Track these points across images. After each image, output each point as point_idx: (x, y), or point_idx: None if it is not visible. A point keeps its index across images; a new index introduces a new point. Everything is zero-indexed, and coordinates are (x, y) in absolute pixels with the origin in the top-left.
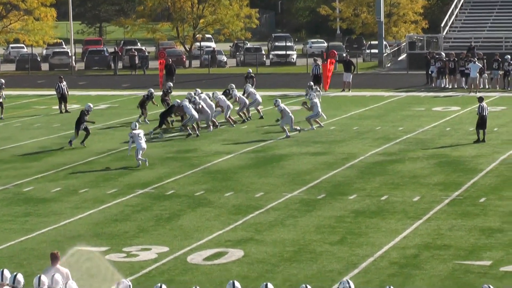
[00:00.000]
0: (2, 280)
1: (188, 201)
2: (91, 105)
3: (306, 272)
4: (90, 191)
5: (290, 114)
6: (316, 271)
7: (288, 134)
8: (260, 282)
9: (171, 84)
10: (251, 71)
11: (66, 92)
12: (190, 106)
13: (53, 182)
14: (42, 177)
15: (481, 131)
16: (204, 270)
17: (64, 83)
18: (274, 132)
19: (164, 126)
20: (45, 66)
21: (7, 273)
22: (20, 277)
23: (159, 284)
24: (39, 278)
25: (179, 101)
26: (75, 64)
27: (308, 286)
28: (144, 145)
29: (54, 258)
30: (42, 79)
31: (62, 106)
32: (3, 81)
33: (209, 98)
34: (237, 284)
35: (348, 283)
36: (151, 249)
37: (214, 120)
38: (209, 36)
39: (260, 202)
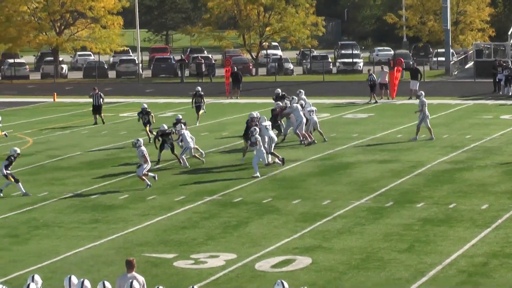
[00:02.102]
0: (70, 286)
1: (256, 209)
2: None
3: (374, 280)
4: (157, 198)
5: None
6: (384, 279)
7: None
8: None
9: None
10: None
11: (100, 103)
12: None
13: (120, 189)
14: (110, 184)
15: None
16: (272, 277)
17: (100, 93)
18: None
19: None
20: (112, 74)
21: (74, 279)
22: (87, 283)
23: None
24: (103, 284)
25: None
26: (142, 71)
27: None
28: (192, 144)
29: (129, 265)
30: (109, 87)
31: (97, 117)
32: None
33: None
34: (286, 284)
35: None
36: (219, 256)
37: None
38: (276, 44)
39: (327, 209)
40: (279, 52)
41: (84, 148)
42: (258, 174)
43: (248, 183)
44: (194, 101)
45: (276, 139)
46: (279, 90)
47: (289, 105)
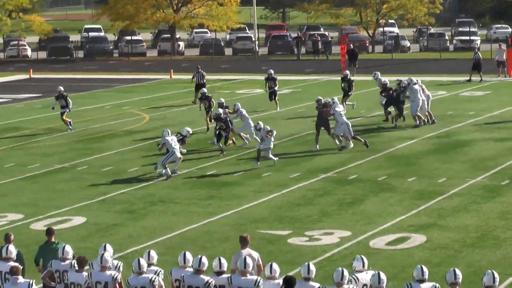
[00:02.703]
0: (184, 262)
1: (371, 186)
2: None
3: (490, 258)
4: (272, 175)
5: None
6: (500, 257)
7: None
8: (442, 267)
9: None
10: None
11: (202, 82)
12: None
13: (235, 166)
14: (225, 161)
15: None
16: (386, 254)
17: (202, 72)
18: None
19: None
20: (228, 51)
21: (189, 255)
22: (204, 259)
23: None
24: (219, 260)
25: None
26: (259, 49)
27: (494, 272)
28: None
29: (244, 241)
30: (226, 64)
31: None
32: (62, 88)
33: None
34: (425, 268)
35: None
36: (334, 233)
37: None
38: (392, 21)
39: (443, 187)
40: (395, 30)
41: (200, 125)
42: (275, 158)
43: (363, 160)
44: (267, 85)
45: (350, 123)
46: (348, 72)
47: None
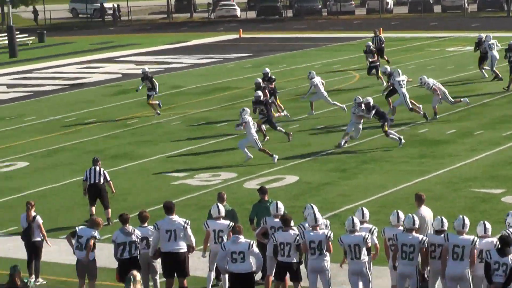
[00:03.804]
0: (397, 221)
1: None
2: None
3: None
4: (485, 133)
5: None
6: None
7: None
8: None
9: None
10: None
11: (380, 46)
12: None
13: (447, 124)
14: (436, 120)
15: None
16: None
17: (381, 37)
18: None
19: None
20: (437, 8)
21: (401, 214)
22: (417, 219)
23: None
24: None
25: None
26: (468, 6)
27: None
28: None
29: (419, 199)
30: (435, 21)
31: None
32: (147, 69)
33: None
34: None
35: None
36: None
37: None
38: None
39: None
40: None
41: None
42: (250, 155)
43: None
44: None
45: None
46: (482, 36)
47: None
